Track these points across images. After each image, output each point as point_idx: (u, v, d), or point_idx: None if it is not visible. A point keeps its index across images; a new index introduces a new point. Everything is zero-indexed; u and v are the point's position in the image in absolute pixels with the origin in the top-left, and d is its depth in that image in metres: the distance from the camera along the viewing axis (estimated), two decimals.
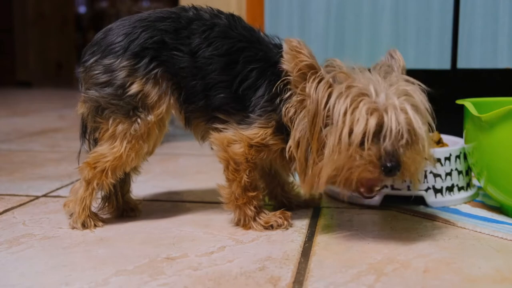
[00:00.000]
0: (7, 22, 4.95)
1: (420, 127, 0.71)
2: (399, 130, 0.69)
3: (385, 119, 0.69)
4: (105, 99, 0.81)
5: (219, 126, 0.82)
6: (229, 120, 0.82)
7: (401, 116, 0.69)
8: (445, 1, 1.32)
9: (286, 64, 0.76)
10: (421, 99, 0.73)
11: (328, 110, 0.72)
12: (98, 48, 0.83)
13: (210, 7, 0.86)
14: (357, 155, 0.69)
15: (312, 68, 0.74)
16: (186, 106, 0.84)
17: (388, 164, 0.69)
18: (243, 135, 0.80)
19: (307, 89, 0.74)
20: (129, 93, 0.80)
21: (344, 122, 0.70)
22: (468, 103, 0.89)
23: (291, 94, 0.77)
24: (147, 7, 4.83)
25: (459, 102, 0.92)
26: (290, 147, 0.77)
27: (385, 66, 0.79)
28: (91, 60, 0.82)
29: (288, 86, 0.77)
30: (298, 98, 0.76)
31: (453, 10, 1.32)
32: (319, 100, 0.72)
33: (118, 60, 0.81)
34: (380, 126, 0.69)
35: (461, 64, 1.32)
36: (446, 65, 1.34)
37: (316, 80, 0.73)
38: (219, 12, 0.85)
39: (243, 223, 0.84)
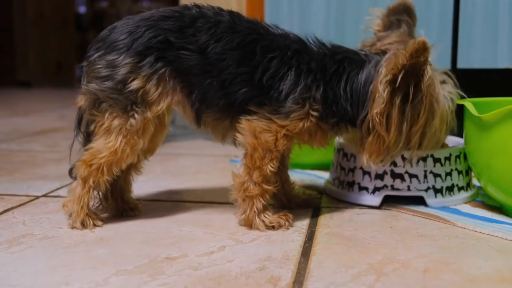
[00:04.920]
0: (7, 22, 4.95)
1: None
2: None
3: None
4: (105, 93, 0.82)
5: (250, 117, 0.82)
6: (260, 111, 0.82)
7: None
8: (445, 1, 1.32)
9: (404, 57, 0.79)
10: None
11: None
12: (103, 44, 0.83)
13: (211, 5, 0.86)
14: None
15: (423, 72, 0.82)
16: (204, 108, 0.84)
17: None
18: (279, 124, 0.81)
19: (424, 87, 0.82)
20: (130, 88, 0.81)
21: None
22: (468, 103, 0.89)
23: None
24: (147, 7, 4.83)
25: (459, 102, 0.92)
26: (371, 121, 0.83)
27: None
28: (95, 55, 0.83)
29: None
30: (395, 85, 0.80)
31: (453, 11, 1.32)
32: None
33: (122, 57, 0.81)
34: None
35: (461, 64, 1.32)
36: (446, 65, 1.34)
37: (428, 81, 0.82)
38: (220, 9, 0.86)
39: (248, 214, 0.83)
